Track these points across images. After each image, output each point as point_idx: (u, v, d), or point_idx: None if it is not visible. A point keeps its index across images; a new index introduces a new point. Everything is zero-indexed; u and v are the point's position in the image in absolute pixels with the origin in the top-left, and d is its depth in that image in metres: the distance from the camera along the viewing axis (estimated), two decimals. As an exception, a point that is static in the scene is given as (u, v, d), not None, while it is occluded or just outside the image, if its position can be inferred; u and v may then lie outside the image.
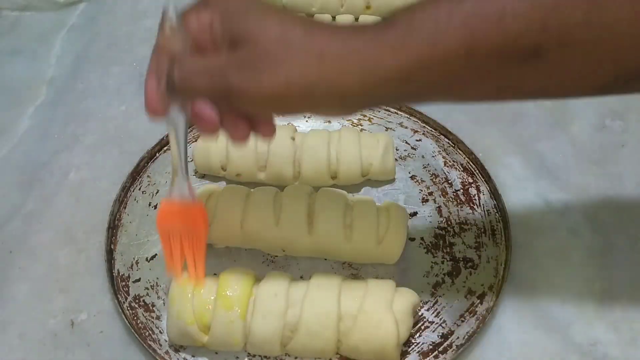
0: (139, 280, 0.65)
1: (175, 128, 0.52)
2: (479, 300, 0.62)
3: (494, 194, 0.71)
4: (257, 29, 0.46)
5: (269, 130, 0.53)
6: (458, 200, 0.71)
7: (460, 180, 0.73)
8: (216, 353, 0.59)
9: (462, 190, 0.72)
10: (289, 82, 0.45)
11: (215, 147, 0.71)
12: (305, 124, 0.79)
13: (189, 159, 0.74)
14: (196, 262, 0.58)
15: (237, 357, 0.59)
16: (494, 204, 0.70)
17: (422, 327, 0.61)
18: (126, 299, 0.63)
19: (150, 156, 0.75)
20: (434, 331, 0.60)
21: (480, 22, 0.42)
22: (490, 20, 0.42)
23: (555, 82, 0.45)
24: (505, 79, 0.45)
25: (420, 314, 0.62)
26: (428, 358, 0.59)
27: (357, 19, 0.88)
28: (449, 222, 0.69)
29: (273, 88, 0.45)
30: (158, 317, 0.62)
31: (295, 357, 0.59)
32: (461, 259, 0.66)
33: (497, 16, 0.42)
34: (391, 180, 0.73)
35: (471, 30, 0.42)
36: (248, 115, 0.50)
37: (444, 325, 0.61)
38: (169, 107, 0.51)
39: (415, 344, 0.60)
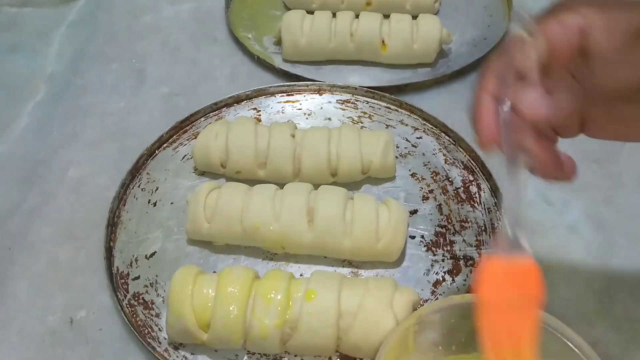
0: (138, 277, 0.65)
1: (516, 166, 0.42)
2: (479, 299, 0.62)
3: (495, 192, 0.71)
4: None
5: (573, 167, 0.46)
6: (459, 198, 0.71)
7: (461, 178, 0.73)
8: (215, 351, 0.59)
9: (462, 188, 0.72)
10: None
11: (215, 145, 0.71)
12: (305, 121, 0.79)
13: (188, 157, 0.75)
14: (527, 340, 0.42)
15: (237, 355, 0.59)
16: (495, 202, 0.70)
17: (422, 325, 0.61)
18: (125, 296, 0.63)
19: (150, 153, 0.75)
20: (434, 329, 0.60)
21: None
22: None
23: None
24: None
25: (420, 312, 0.61)
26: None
27: (357, 16, 0.88)
28: (449, 220, 0.69)
29: None
30: (157, 315, 0.62)
31: (295, 355, 0.58)
32: (461, 257, 0.66)
33: None
34: (391, 178, 0.73)
35: None
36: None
37: (444, 323, 0.61)
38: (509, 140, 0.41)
39: (415, 342, 0.60)
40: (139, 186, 0.73)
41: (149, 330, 0.61)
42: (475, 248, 0.66)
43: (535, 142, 0.42)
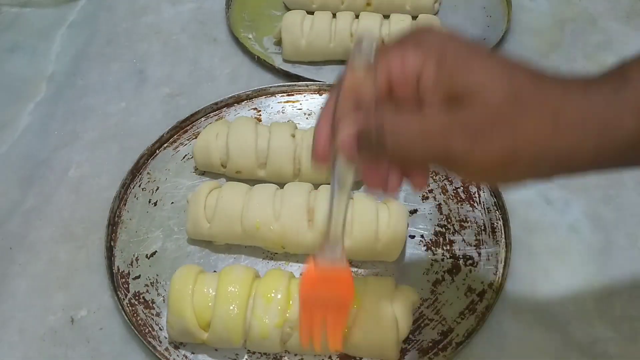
0: (138, 277, 0.65)
1: (342, 181, 0.44)
2: (478, 298, 0.62)
3: (494, 191, 0.71)
4: (483, 85, 0.39)
5: (422, 182, 0.45)
6: (458, 198, 0.71)
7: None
8: (216, 350, 0.59)
9: (462, 188, 0.72)
10: (516, 148, 0.38)
11: (216, 144, 0.71)
12: (305, 121, 0.79)
13: (188, 157, 0.75)
14: (335, 332, 0.52)
15: (237, 354, 0.59)
16: (494, 202, 0.70)
17: (422, 325, 0.61)
18: (126, 295, 0.63)
19: (150, 153, 0.75)
20: (433, 329, 0.60)
21: None
22: None
23: None
24: None
25: (420, 311, 0.62)
26: (428, 355, 0.59)
27: (357, 16, 0.88)
28: (449, 220, 0.69)
29: (499, 156, 0.39)
30: (158, 314, 0.62)
31: (295, 354, 0.59)
32: (461, 257, 0.66)
33: None
34: (391, 178, 0.73)
35: None
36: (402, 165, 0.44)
37: (443, 322, 0.61)
38: (339, 158, 0.44)
39: (415, 341, 0.60)
40: (139, 186, 0.73)
41: (150, 329, 0.61)
42: (474, 247, 0.66)
43: (364, 165, 0.44)
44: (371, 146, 0.41)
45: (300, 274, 0.55)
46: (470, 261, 0.65)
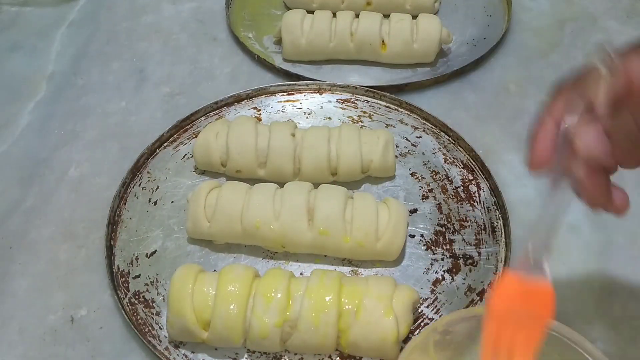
0: (138, 276, 0.65)
1: (559, 192, 0.42)
2: (478, 297, 0.62)
3: (494, 191, 0.71)
4: None
5: (625, 202, 0.44)
6: (458, 197, 0.71)
7: (461, 177, 0.73)
8: (216, 349, 0.59)
9: (462, 187, 0.72)
10: None
11: (216, 144, 0.71)
12: (305, 121, 0.79)
13: (188, 156, 0.75)
14: (527, 351, 0.45)
15: (237, 354, 0.59)
16: (494, 201, 0.70)
17: (422, 324, 0.61)
18: (126, 294, 0.63)
19: (150, 152, 0.75)
20: (433, 328, 0.60)
21: None
22: None
23: None
24: None
25: (420, 310, 0.62)
26: (427, 355, 0.59)
27: (357, 16, 0.88)
28: (449, 219, 0.69)
29: None
30: (158, 313, 0.62)
31: (295, 353, 0.59)
32: (461, 256, 0.66)
33: None
34: (391, 177, 0.73)
35: None
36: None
37: (443, 322, 0.61)
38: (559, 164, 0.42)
39: (414, 340, 0.60)
40: (139, 185, 0.73)
41: (150, 328, 0.61)
42: (474, 247, 0.66)
43: (585, 172, 0.41)
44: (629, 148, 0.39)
45: (490, 285, 0.52)
46: (470, 260, 0.65)
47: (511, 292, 0.43)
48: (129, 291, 0.64)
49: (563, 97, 0.42)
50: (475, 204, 0.70)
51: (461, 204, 0.70)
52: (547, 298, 0.43)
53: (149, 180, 0.73)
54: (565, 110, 0.41)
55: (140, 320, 0.61)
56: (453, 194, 0.71)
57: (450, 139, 0.77)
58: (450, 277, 0.64)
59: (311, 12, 0.89)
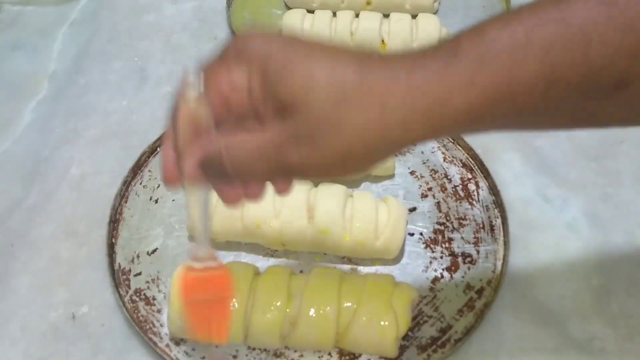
0: (140, 273, 0.65)
1: (198, 195, 0.45)
2: (477, 295, 0.63)
3: (493, 189, 0.71)
4: (305, 88, 0.38)
5: (285, 188, 0.46)
6: (457, 196, 0.71)
7: (460, 176, 0.73)
8: (216, 346, 0.59)
9: (461, 186, 0.72)
10: (350, 145, 0.38)
11: (216, 142, 0.71)
12: (305, 120, 0.79)
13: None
14: (221, 326, 0.51)
15: (237, 350, 0.59)
16: (493, 200, 0.70)
17: (421, 322, 0.61)
18: (127, 292, 0.64)
19: (152, 150, 0.76)
20: (432, 325, 0.61)
21: (562, 50, 0.36)
22: (574, 49, 0.36)
23: (638, 112, 0.40)
24: (581, 111, 0.40)
25: (418, 308, 0.62)
26: (426, 352, 0.59)
27: (357, 15, 0.88)
28: (447, 218, 0.69)
29: (335, 155, 0.39)
30: (159, 311, 0.62)
31: (295, 350, 0.59)
32: (460, 254, 0.66)
33: (583, 44, 0.36)
34: (391, 176, 0.73)
35: (552, 60, 0.36)
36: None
37: (442, 319, 0.61)
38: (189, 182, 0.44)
39: (413, 338, 0.60)
40: (140, 183, 0.73)
41: (151, 325, 0.61)
42: (473, 245, 0.67)
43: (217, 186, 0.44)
44: (215, 171, 0.41)
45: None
46: (468, 259, 0.66)
47: (195, 283, 0.48)
48: (130, 289, 0.64)
49: (173, 123, 0.43)
50: (474, 202, 0.71)
51: (460, 202, 0.71)
52: (225, 280, 0.48)
53: (150, 179, 0.74)
54: (182, 136, 0.42)
55: (141, 318, 0.62)
56: (452, 192, 0.72)
57: (449, 138, 0.77)
58: (449, 275, 0.65)
59: (311, 11, 0.90)
